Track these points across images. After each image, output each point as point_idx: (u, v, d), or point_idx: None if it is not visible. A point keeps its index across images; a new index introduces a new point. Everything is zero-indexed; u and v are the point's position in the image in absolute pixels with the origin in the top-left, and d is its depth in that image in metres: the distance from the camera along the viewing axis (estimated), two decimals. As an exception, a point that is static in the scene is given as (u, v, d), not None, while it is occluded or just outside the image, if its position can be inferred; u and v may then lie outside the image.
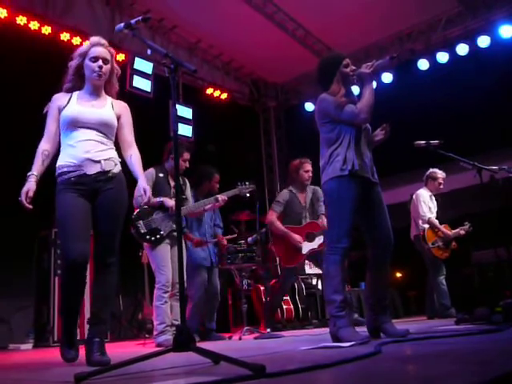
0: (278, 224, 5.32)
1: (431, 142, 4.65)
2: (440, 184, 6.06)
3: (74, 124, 2.93)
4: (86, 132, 2.94)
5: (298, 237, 5.21)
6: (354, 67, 3.32)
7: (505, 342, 2.51)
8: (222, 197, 4.93)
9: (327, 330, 3.25)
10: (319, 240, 5.19)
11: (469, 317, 3.70)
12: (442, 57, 8.32)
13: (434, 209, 6.02)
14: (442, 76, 8.12)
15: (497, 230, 5.69)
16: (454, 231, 5.95)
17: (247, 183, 5.12)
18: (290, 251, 5.21)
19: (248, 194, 5.12)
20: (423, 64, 8.47)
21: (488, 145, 7.04)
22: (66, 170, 2.90)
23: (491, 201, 5.64)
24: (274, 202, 5.52)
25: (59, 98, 3.03)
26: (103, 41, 3.05)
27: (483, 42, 7.92)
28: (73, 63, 3.03)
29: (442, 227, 5.90)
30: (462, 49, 8.12)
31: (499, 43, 7.78)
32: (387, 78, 8.64)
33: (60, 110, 2.98)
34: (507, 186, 5.58)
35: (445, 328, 3.70)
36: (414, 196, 6.13)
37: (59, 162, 2.95)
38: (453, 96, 7.48)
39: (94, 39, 3.05)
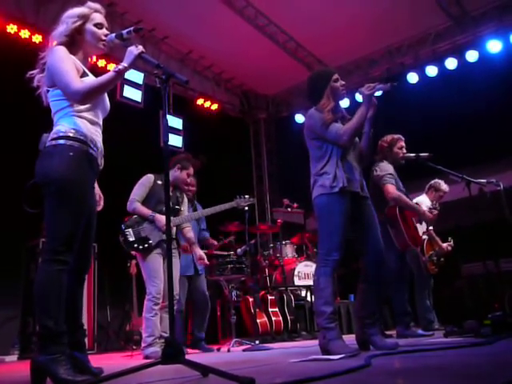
0: (406, 198, 4.60)
1: (421, 154, 4.68)
2: (441, 197, 5.88)
3: None
4: None
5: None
6: (343, 82, 3.36)
7: (493, 355, 2.50)
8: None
9: (316, 342, 3.24)
10: (424, 224, 5.11)
11: (458, 330, 3.70)
12: (431, 70, 8.43)
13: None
14: (430, 89, 8.21)
15: (486, 242, 5.69)
16: (444, 245, 5.91)
17: (246, 196, 4.99)
18: (415, 232, 4.72)
19: (246, 208, 5.02)
20: (412, 77, 8.58)
21: (478, 157, 7.09)
22: None
23: (481, 214, 5.66)
24: (385, 175, 4.50)
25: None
26: (103, 9, 2.74)
27: (472, 56, 8.05)
28: (69, 23, 2.60)
29: (439, 240, 5.77)
30: (451, 63, 8.24)
31: (487, 58, 7.90)
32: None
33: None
34: (496, 199, 5.61)
35: (434, 341, 3.71)
36: None
37: None
38: (442, 109, 7.56)
39: (95, 5, 2.69)
